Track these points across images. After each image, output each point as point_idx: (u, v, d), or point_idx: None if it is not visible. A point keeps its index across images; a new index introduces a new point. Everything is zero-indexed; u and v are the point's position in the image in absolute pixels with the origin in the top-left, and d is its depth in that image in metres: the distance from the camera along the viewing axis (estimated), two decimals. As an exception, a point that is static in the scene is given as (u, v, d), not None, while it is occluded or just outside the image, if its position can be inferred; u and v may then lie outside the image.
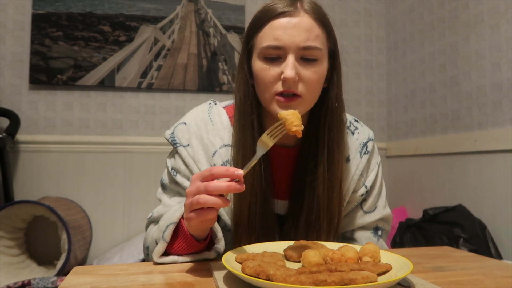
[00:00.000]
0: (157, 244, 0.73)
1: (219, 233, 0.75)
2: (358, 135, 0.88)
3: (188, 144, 0.84)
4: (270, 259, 0.62)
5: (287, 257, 0.69)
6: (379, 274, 0.58)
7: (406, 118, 2.38)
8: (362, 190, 0.86)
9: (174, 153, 0.87)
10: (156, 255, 0.72)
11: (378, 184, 0.89)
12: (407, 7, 2.39)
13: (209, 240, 0.76)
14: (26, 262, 1.96)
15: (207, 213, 0.63)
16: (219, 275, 0.62)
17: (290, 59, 0.74)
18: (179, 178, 0.84)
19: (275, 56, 0.76)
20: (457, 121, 1.98)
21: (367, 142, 0.88)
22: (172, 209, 0.77)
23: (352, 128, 0.89)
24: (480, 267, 0.72)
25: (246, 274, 0.56)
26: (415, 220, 1.94)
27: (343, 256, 0.63)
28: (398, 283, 0.58)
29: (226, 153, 0.82)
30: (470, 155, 1.88)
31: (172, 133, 0.86)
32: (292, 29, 0.74)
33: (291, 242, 0.74)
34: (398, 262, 0.62)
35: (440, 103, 2.10)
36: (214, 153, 0.82)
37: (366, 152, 0.87)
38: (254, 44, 0.79)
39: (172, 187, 0.87)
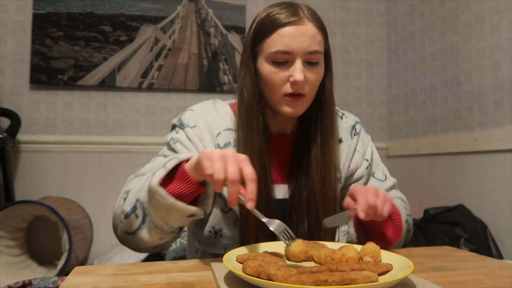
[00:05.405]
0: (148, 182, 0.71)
1: (210, 188, 0.75)
2: (346, 119, 1.00)
3: (194, 126, 0.90)
4: (271, 259, 0.62)
5: (288, 257, 0.69)
6: (380, 274, 0.58)
7: (407, 118, 2.38)
8: (365, 164, 0.97)
9: (178, 129, 0.92)
10: (155, 179, 0.70)
11: (376, 156, 1.02)
12: (407, 7, 2.39)
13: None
14: (27, 262, 1.96)
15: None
16: (220, 275, 0.62)
17: (298, 63, 0.81)
18: (178, 145, 0.88)
19: (283, 60, 0.82)
20: (457, 121, 1.98)
21: (355, 124, 0.99)
22: (171, 156, 0.80)
23: (340, 113, 1.00)
24: (481, 267, 0.72)
25: (247, 274, 0.56)
26: (416, 220, 1.93)
27: (344, 256, 0.63)
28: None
29: (229, 136, 0.89)
30: (470, 155, 1.88)
31: (180, 117, 0.93)
32: (299, 36, 0.81)
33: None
34: (399, 262, 0.63)
35: (440, 103, 2.10)
36: (218, 134, 0.89)
37: (356, 134, 0.98)
38: (262, 48, 0.85)
39: (167, 153, 0.90)
